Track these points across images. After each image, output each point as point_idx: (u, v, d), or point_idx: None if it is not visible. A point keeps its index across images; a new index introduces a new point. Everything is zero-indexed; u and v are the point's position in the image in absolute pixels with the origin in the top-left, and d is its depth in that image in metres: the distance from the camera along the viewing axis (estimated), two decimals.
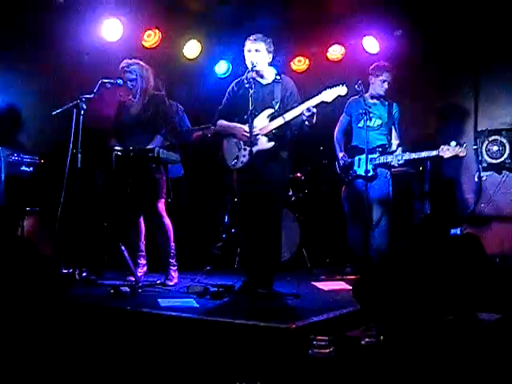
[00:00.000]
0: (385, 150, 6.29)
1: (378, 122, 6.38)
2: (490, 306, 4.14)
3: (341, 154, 6.56)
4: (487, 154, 7.08)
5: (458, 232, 6.84)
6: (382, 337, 3.25)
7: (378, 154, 6.24)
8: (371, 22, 7.55)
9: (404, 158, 6.17)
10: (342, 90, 5.18)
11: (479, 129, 7.27)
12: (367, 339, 3.20)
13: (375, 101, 6.43)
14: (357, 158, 6.44)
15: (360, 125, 6.48)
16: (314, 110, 5.02)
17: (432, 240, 5.83)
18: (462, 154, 6.00)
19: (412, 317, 3.71)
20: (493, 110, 7.26)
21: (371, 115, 6.27)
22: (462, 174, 7.30)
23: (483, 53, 7.15)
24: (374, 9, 7.21)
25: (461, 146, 6.01)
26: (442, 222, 7.07)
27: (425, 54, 7.41)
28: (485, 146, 7.10)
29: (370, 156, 6.21)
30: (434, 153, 6.06)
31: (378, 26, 7.60)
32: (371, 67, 6.54)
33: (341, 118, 6.71)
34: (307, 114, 5.00)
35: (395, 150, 6.35)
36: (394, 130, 6.50)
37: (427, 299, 3.79)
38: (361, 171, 6.37)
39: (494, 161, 7.06)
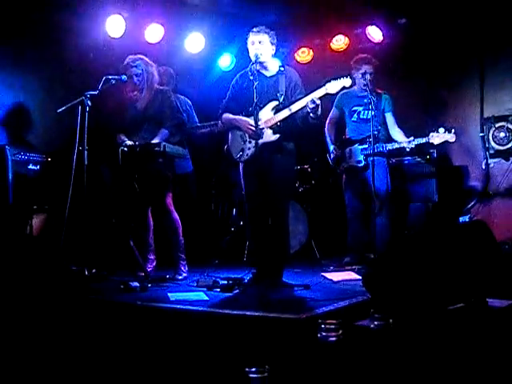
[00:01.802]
0: (375, 140, 6.28)
1: (371, 112, 6.37)
2: (501, 292, 4.13)
3: (332, 147, 6.58)
4: (494, 141, 7.06)
5: (467, 219, 6.83)
6: (391, 320, 3.25)
7: (368, 145, 6.23)
8: (374, 11, 7.52)
9: (413, 144, 6.18)
10: (346, 82, 5.17)
11: (485, 115, 7.25)
12: (376, 322, 3.19)
13: (364, 93, 6.39)
14: (348, 149, 6.48)
15: (354, 118, 6.55)
16: (318, 101, 5.01)
17: (441, 228, 5.83)
18: (451, 140, 6.09)
19: (422, 305, 3.71)
20: (499, 97, 7.23)
21: (366, 107, 6.28)
22: (469, 162, 7.28)
23: (489, 39, 7.12)
24: None
25: (449, 131, 6.07)
26: (451, 210, 7.06)
27: (429, 41, 7.38)
28: (491, 132, 7.09)
29: (360, 146, 6.36)
30: (424, 140, 6.14)
31: (381, 15, 7.57)
32: (352, 61, 6.52)
33: (331, 111, 6.69)
34: (311, 105, 4.99)
35: (395, 140, 6.38)
36: (391, 118, 6.50)
37: (437, 287, 3.79)
38: (353, 162, 6.44)
39: (501, 147, 7.04)
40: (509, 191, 6.98)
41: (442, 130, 6.05)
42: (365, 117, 6.36)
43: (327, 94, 5.13)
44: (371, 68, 6.42)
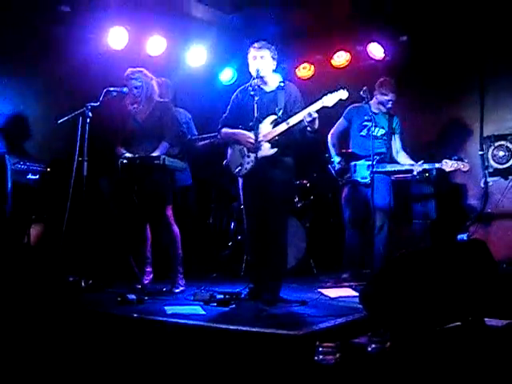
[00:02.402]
0: (383, 158, 6.30)
1: (382, 131, 6.40)
2: (498, 312, 4.13)
3: (337, 159, 6.55)
4: (493, 160, 7.08)
5: (465, 238, 6.84)
6: (388, 343, 3.24)
7: (375, 162, 6.24)
8: (376, 28, 7.56)
9: (419, 169, 6.20)
10: (342, 94, 5.18)
11: (485, 134, 7.26)
12: (373, 345, 3.18)
13: (378, 111, 6.43)
14: (353, 163, 6.47)
15: (363, 133, 6.50)
16: (315, 114, 5.02)
17: (439, 246, 5.82)
18: (464, 169, 6.12)
19: (419, 323, 3.70)
20: (499, 116, 7.24)
21: (376, 123, 6.29)
22: (468, 180, 7.28)
23: (489, 58, 7.15)
24: (378, 15, 7.22)
25: (462, 161, 6.10)
26: (449, 228, 7.06)
27: (430, 59, 7.41)
28: (491, 151, 7.10)
29: (367, 163, 6.31)
30: (437, 165, 6.15)
31: (382, 32, 7.61)
32: (379, 82, 6.53)
33: (339, 122, 6.67)
34: (308, 119, 5.00)
35: (396, 160, 6.43)
36: (398, 141, 6.54)
37: (435, 305, 3.78)
38: (357, 177, 6.43)
39: (500, 166, 7.05)
40: (507, 210, 6.98)
41: (455, 157, 6.10)
42: (375, 134, 6.31)
43: (324, 107, 5.14)
44: (395, 96, 6.47)
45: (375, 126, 6.30)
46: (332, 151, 6.63)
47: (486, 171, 7.14)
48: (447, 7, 6.95)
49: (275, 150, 5.17)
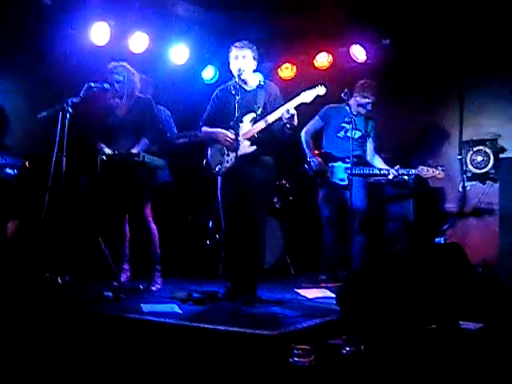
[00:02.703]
0: (360, 160, 6.33)
1: (358, 133, 6.41)
2: (473, 316, 4.16)
3: (316, 160, 6.50)
4: (472, 164, 7.15)
5: (442, 241, 6.89)
6: (362, 346, 3.26)
7: (351, 164, 6.25)
8: (359, 31, 7.58)
9: (395, 173, 6.23)
10: (320, 90, 5.19)
11: (464, 139, 7.34)
12: (348, 348, 3.20)
13: (356, 113, 6.43)
14: (330, 164, 6.47)
15: (340, 135, 6.50)
16: (294, 111, 5.01)
17: (416, 248, 5.86)
18: (439, 177, 6.19)
19: (395, 325, 3.72)
20: (478, 120, 7.31)
21: (354, 126, 6.29)
22: (447, 184, 7.32)
23: (469, 63, 7.20)
24: (361, 18, 7.24)
25: (437, 168, 6.14)
26: (427, 231, 7.11)
27: (411, 62, 7.46)
28: (469, 155, 7.17)
29: (344, 165, 6.34)
30: (413, 171, 6.20)
31: (365, 35, 7.64)
32: (360, 84, 6.53)
33: (314, 120, 6.64)
34: (287, 115, 4.99)
35: (371, 163, 6.47)
36: (371, 144, 6.56)
37: (410, 307, 3.80)
38: (335, 179, 6.44)
39: (478, 171, 7.13)
40: (484, 214, 7.04)
41: (431, 162, 6.15)
42: (351, 135, 6.30)
43: (302, 103, 5.14)
44: (375, 98, 6.48)
45: (353, 129, 6.30)
46: (307, 150, 6.60)
47: (464, 175, 7.21)
48: (430, 11, 6.99)
49: (254, 147, 5.17)
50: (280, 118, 5.08)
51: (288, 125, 5.05)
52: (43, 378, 3.50)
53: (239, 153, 5.01)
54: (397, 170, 6.25)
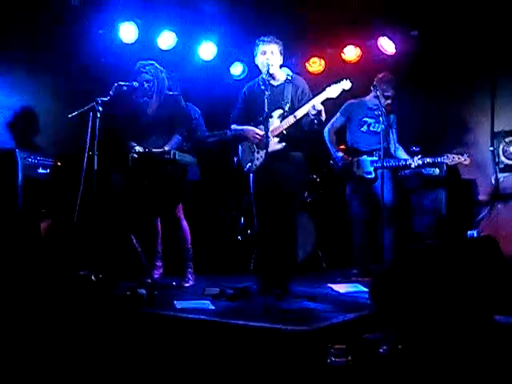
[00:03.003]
0: (385, 153, 6.29)
1: (382, 126, 6.36)
2: (507, 309, 4.11)
3: (340, 154, 6.50)
4: (504, 155, 7.06)
5: (475, 234, 6.82)
6: (399, 345, 3.24)
7: (377, 158, 6.23)
8: (387, 23, 7.53)
9: (418, 162, 6.18)
10: (346, 85, 5.18)
11: (496, 130, 7.24)
12: (385, 347, 3.18)
13: (377, 107, 6.39)
14: (356, 159, 6.45)
15: (363, 129, 6.49)
16: (320, 107, 5.00)
17: (449, 242, 5.81)
18: (465, 163, 6.14)
19: (429, 319, 3.70)
20: (510, 111, 7.21)
21: (377, 119, 6.26)
22: (479, 176, 7.25)
23: (500, 53, 7.11)
24: (389, 9, 7.18)
25: (463, 154, 6.10)
26: (459, 224, 7.04)
27: (441, 53, 7.38)
28: (502, 147, 7.08)
29: (370, 158, 6.35)
30: (439, 159, 6.15)
31: (393, 27, 7.58)
32: (379, 78, 6.47)
33: (335, 117, 6.61)
34: (313, 112, 4.99)
35: (398, 155, 6.43)
36: (396, 137, 6.53)
37: (444, 301, 3.78)
38: (361, 173, 6.41)
39: (511, 162, 7.03)
40: None
41: (455, 151, 6.08)
42: (375, 129, 6.33)
43: (328, 99, 5.12)
44: (394, 92, 6.42)
45: (376, 122, 6.29)
46: (330, 147, 6.60)
47: (497, 167, 7.12)
48: (459, 2, 6.91)
49: (283, 144, 5.17)
50: (307, 114, 5.07)
51: (316, 120, 5.04)
52: (80, 374, 3.54)
53: (269, 149, 5.02)
54: (418, 160, 6.21)
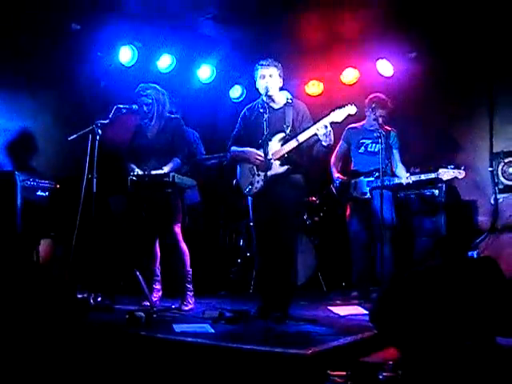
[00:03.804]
0: (383, 173, 6.30)
1: (379, 146, 6.39)
2: (509, 331, 4.09)
3: (336, 175, 6.63)
4: (503, 176, 7.06)
5: (475, 255, 6.80)
6: (399, 371, 3.21)
7: (373, 178, 6.25)
8: (385, 45, 7.57)
9: (412, 179, 6.20)
10: (351, 110, 5.19)
11: (495, 150, 7.24)
12: (384, 374, 3.15)
13: (373, 128, 6.44)
14: (353, 181, 6.49)
15: (361, 151, 6.59)
16: (329, 128, 5.01)
17: (449, 263, 5.79)
18: (460, 176, 6.12)
19: (430, 342, 3.67)
20: (509, 132, 7.22)
21: (374, 140, 6.30)
22: (478, 196, 7.25)
23: (499, 74, 7.14)
24: (387, 31, 7.23)
25: (458, 168, 6.10)
26: (459, 245, 7.02)
27: (439, 75, 7.41)
28: (500, 167, 7.08)
29: (366, 179, 6.40)
30: (433, 175, 6.16)
31: (391, 49, 7.63)
32: (369, 99, 6.57)
33: (339, 144, 6.71)
34: (323, 131, 4.98)
35: (397, 175, 6.42)
36: (396, 155, 6.56)
37: (445, 324, 3.75)
38: (357, 193, 6.48)
39: (510, 182, 7.03)
40: None
41: (451, 166, 6.08)
42: (372, 149, 6.40)
43: (333, 123, 5.12)
44: (385, 112, 6.48)
45: (373, 142, 6.34)
46: (333, 171, 6.70)
47: (496, 188, 7.11)
48: (456, 23, 6.95)
49: (285, 167, 5.17)
50: (310, 137, 5.07)
51: (324, 142, 5.03)
52: None
53: (270, 173, 5.04)
54: (410, 177, 6.22)
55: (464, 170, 6.09)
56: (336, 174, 6.64)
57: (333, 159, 6.74)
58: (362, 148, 6.58)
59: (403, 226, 6.81)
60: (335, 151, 6.72)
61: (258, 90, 5.34)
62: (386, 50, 7.67)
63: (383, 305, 4.01)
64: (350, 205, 6.62)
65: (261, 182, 5.16)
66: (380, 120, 6.41)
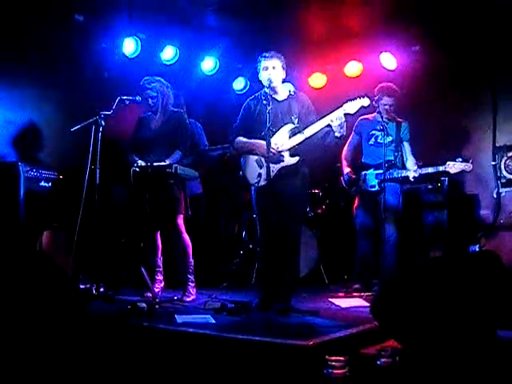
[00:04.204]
0: (391, 165, 6.29)
1: (389, 138, 6.40)
2: (510, 324, 4.09)
3: (346, 170, 6.62)
4: (506, 170, 7.04)
5: (477, 249, 6.80)
6: (397, 357, 3.21)
7: (383, 170, 6.25)
8: (388, 38, 7.56)
9: (419, 173, 6.18)
10: (364, 102, 5.17)
11: (498, 144, 7.23)
12: (383, 359, 3.16)
13: (384, 118, 6.42)
14: (363, 173, 6.50)
15: (371, 142, 6.58)
16: (343, 119, 5.02)
17: (451, 256, 5.79)
18: (467, 169, 6.07)
19: (430, 334, 3.68)
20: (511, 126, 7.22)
21: (385, 132, 6.29)
22: (481, 190, 7.25)
23: (502, 67, 7.11)
24: (390, 24, 7.21)
25: (467, 161, 6.06)
26: (461, 239, 7.03)
27: (443, 68, 7.39)
28: (503, 161, 7.07)
29: (376, 171, 6.39)
30: (441, 168, 6.13)
31: (395, 42, 7.61)
32: (376, 89, 6.55)
33: (350, 136, 6.72)
34: (338, 122, 4.98)
35: (407, 168, 6.38)
36: (407, 148, 6.53)
37: (446, 316, 3.76)
38: (366, 186, 6.48)
39: None
40: None
41: (459, 159, 6.05)
42: (382, 141, 6.33)
43: (346, 114, 5.11)
44: (393, 100, 6.48)
45: (384, 135, 6.31)
46: (343, 164, 6.70)
47: (499, 181, 7.10)
48: (460, 17, 6.93)
49: (296, 158, 5.16)
50: (322, 129, 5.07)
51: (337, 133, 5.04)
52: None
53: (281, 164, 5.05)
54: (416, 171, 6.22)
55: (471, 162, 6.06)
56: (346, 169, 6.63)
57: (344, 151, 6.75)
58: (373, 139, 6.57)
59: (411, 220, 6.80)
60: (347, 143, 6.72)
61: (260, 81, 5.33)
62: (390, 44, 7.65)
63: (384, 297, 4.01)
64: (358, 197, 6.63)
65: (270, 174, 5.12)
66: (388, 109, 6.41)
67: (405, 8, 6.86)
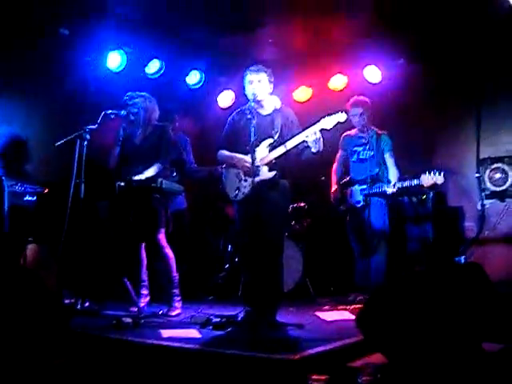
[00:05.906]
0: (375, 180, 6.31)
1: (370, 153, 6.43)
2: (494, 336, 4.11)
3: (333, 189, 6.67)
4: (490, 182, 7.09)
5: (462, 260, 6.82)
6: (379, 375, 3.22)
7: (366, 185, 6.27)
8: (373, 52, 7.60)
9: (397, 187, 6.21)
10: (341, 117, 5.19)
11: (481, 156, 7.27)
12: (363, 378, 3.16)
13: (363, 134, 6.46)
14: (349, 189, 6.54)
15: (353, 159, 6.65)
16: (319, 134, 5.02)
17: (436, 268, 5.81)
18: (439, 182, 6.06)
19: (415, 347, 3.68)
20: (495, 138, 7.26)
21: (364, 147, 6.35)
22: (465, 202, 7.29)
23: (486, 81, 7.17)
24: (375, 38, 7.25)
25: (439, 173, 6.04)
26: (446, 250, 7.05)
27: (427, 82, 7.43)
28: (487, 173, 7.11)
29: (360, 187, 6.44)
30: (415, 181, 6.15)
31: (380, 55, 7.65)
32: (347, 104, 6.59)
33: (338, 153, 6.81)
34: (312, 138, 5.00)
35: (390, 180, 6.39)
36: (389, 160, 6.53)
37: (431, 329, 3.76)
38: (353, 202, 6.53)
39: (496, 188, 7.06)
40: (504, 232, 6.97)
41: (431, 172, 6.06)
42: (363, 157, 6.41)
43: (322, 130, 5.13)
44: (359, 110, 6.51)
45: (364, 150, 6.38)
46: (332, 182, 6.76)
47: (483, 193, 7.14)
48: (444, 30, 6.98)
49: (273, 173, 5.17)
50: (299, 144, 5.08)
51: (313, 148, 5.05)
52: None
53: (258, 178, 5.05)
54: (394, 185, 6.24)
55: (444, 174, 6.07)
56: (333, 187, 6.69)
57: (334, 167, 6.82)
58: (355, 156, 6.63)
59: (395, 232, 6.83)
60: (336, 161, 6.79)
61: (246, 95, 5.35)
62: (375, 57, 7.70)
63: (369, 310, 4.02)
64: (347, 214, 6.67)
65: (248, 188, 5.16)
66: (357, 119, 6.46)
67: (389, 22, 6.91)
